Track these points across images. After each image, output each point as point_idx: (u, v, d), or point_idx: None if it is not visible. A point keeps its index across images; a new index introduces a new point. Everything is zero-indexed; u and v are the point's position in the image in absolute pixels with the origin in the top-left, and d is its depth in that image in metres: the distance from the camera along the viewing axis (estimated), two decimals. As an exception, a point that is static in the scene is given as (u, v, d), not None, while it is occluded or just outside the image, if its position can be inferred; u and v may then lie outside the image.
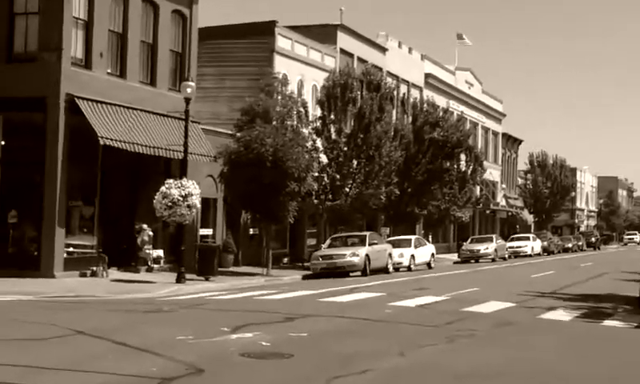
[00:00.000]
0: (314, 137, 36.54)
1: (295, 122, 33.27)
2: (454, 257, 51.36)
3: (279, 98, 33.36)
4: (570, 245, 72.08)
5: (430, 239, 48.65)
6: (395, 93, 47.34)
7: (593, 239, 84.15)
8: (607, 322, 16.89)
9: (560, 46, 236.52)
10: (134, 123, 27.43)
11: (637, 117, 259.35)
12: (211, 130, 32.90)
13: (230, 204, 32.60)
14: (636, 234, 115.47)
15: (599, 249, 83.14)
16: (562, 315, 17.63)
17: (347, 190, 37.20)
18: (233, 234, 33.73)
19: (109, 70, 27.41)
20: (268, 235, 32.15)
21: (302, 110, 34.30)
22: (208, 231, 33.32)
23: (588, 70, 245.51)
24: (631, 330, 16.08)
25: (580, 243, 76.14)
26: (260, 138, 29.44)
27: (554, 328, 15.69)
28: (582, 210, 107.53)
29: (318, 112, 38.08)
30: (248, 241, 36.01)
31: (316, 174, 34.87)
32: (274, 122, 31.60)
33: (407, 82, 53.77)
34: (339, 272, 31.61)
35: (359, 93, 38.27)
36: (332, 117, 37.32)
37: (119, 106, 27.18)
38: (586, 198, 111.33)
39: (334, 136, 37.34)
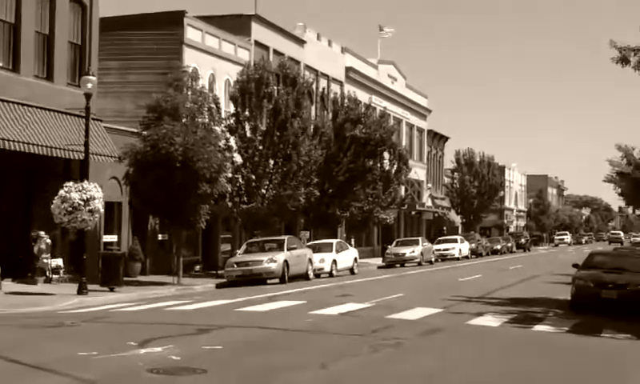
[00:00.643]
0: (228, 135, 36.49)
1: (207, 119, 33.14)
2: (379, 261, 52.03)
3: (189, 93, 33.15)
4: (498, 246, 73.92)
5: (353, 243, 49.09)
6: (314, 87, 47.56)
7: (522, 240, 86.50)
8: (538, 327, 17.52)
9: (486, 41, 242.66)
10: (29, 121, 26.83)
11: (566, 114, 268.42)
12: (115, 129, 32.46)
13: (137, 208, 32.22)
14: (567, 235, 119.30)
15: (529, 250, 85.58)
16: (490, 321, 18.19)
17: (263, 191, 37.28)
18: (140, 240, 33.36)
19: (0, 64, 26.73)
20: (178, 241, 31.94)
21: (213, 106, 34.18)
22: (112, 238, 32.92)
23: (515, 66, 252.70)
24: (563, 334, 16.73)
25: (509, 245, 78.17)
26: (168, 137, 29.21)
27: (483, 334, 16.17)
28: (511, 210, 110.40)
29: (232, 108, 38.04)
30: (156, 248, 35.68)
31: (230, 175, 34.78)
32: (184, 120, 31.39)
33: (327, 76, 54.19)
34: (256, 279, 31.65)
35: (275, 88, 38.36)
36: (246, 113, 37.31)
37: (12, 102, 26.55)
38: (515, 197, 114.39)
39: (248, 134, 37.36)
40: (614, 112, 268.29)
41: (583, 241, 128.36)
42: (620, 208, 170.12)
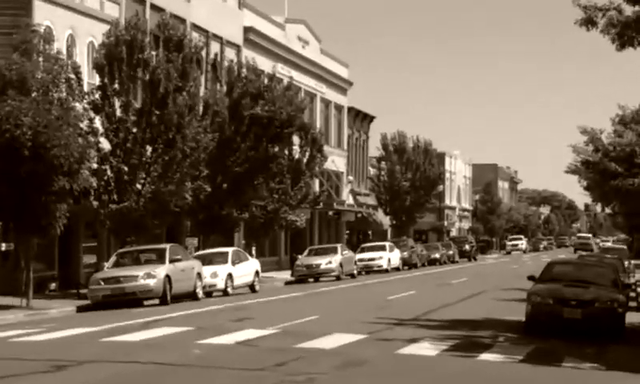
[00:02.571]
0: (91, 114, 36.14)
1: (64, 94, 32.75)
2: (287, 275, 52.37)
3: (41, 60, 32.72)
4: (437, 255, 75.19)
5: (254, 252, 49.28)
6: (204, 53, 47.48)
7: (467, 247, 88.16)
8: (485, 356, 18.05)
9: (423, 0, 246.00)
10: None
11: (520, 92, 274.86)
12: (-59, 105, 31.69)
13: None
14: (521, 240, 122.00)
15: (475, 259, 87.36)
16: (426, 349, 18.67)
17: (139, 186, 37.10)
18: (-25, 251, 32.84)
19: None
20: (27, 252, 31.53)
21: (73, 76, 33.74)
22: (-62, 249, 32.29)
23: (459, 32, 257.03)
24: (515, 365, 17.26)
25: (451, 253, 79.59)
26: (14, 117, 28.83)
27: (417, 367, 16.57)
28: (453, 209, 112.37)
29: (97, 80, 37.69)
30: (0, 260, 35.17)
31: (95, 166, 34.48)
32: (34, 94, 31.03)
33: (220, 38, 54.19)
34: (129, 300, 31.54)
35: (153, 53, 38.16)
36: (116, 86, 37.08)
37: None
38: (458, 192, 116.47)
39: (118, 113, 37.10)
40: (577, 91, 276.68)
41: (541, 247, 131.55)
42: (586, 206, 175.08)
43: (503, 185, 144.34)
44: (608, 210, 63.36)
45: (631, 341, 21.96)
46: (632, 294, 31.27)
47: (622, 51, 23.51)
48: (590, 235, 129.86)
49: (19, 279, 31.89)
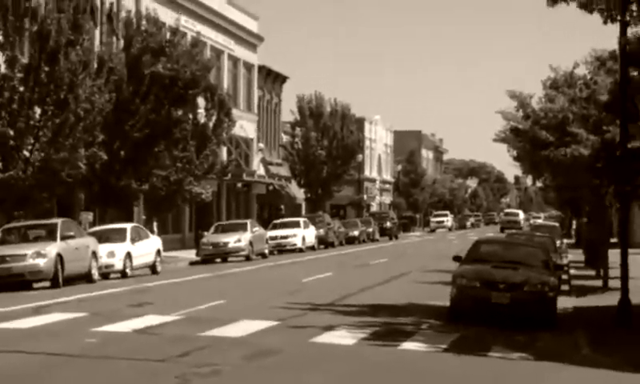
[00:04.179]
0: (-28, 71, 35.85)
1: (-60, 48, 32.43)
2: (192, 254, 52.59)
3: None
4: (356, 232, 76.01)
5: (156, 229, 49.12)
6: (99, 2, 47.17)
7: (388, 224, 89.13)
8: (406, 345, 18.56)
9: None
10: None
11: (445, 52, 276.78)
12: None
13: None
14: (447, 216, 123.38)
15: (397, 238, 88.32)
16: (343, 337, 19.12)
17: (26, 153, 36.85)
18: None
19: None
20: None
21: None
22: None
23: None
24: (439, 354, 17.82)
25: (370, 230, 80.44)
26: None
27: (333, 357, 17.01)
28: (373, 182, 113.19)
29: (-22, 31, 37.36)
30: None
31: (-24, 130, 34.23)
32: None
33: (117, -15, 53.76)
34: (17, 282, 31.40)
35: (42, 1, 37.78)
36: (0, 39, 36.68)
37: None
38: (379, 163, 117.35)
39: (3, 69, 36.81)
40: (507, 53, 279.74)
41: (468, 224, 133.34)
42: (516, 178, 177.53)
43: (428, 154, 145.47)
44: (539, 184, 64.18)
45: (563, 328, 22.34)
46: (564, 277, 31.66)
47: (554, 7, 22.77)
48: (518, 211, 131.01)
49: None
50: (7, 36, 36.82)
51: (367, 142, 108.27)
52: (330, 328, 20.17)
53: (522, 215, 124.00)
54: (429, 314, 23.95)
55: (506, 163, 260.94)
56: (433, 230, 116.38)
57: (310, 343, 18.26)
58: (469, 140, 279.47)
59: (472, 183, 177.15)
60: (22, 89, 36.89)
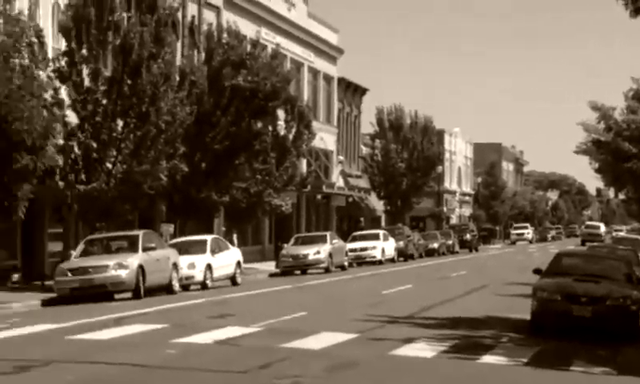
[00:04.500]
0: (57, 83, 36.14)
1: (27, 61, 32.85)
2: (272, 266, 52.62)
3: (0, 21, 32.78)
4: (436, 245, 75.73)
5: (236, 240, 49.34)
6: (180, 16, 47.54)
7: (468, 236, 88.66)
8: (487, 358, 18.42)
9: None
10: None
11: (525, 65, 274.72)
12: None
13: None
14: (527, 228, 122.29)
15: (477, 250, 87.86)
16: (423, 350, 19.02)
17: (109, 165, 37.21)
18: None
19: None
20: (-14, 238, 31.76)
21: (36, 41, 33.87)
22: None
23: (458, 1, 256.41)
24: (519, 368, 17.63)
25: (450, 242, 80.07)
26: (-29, 86, 29.03)
27: (412, 370, 16.95)
28: (453, 194, 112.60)
29: (63, 45, 37.78)
30: (-46, 247, 35.51)
31: (61, 142, 34.56)
32: (-7, 61, 31.13)
33: (198, -1, 54.26)
34: (99, 293, 31.71)
35: (125, 15, 38.16)
36: (84, 52, 37.12)
37: None
38: (459, 175, 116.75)
39: (87, 82, 37.14)
40: (588, 65, 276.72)
41: (549, 237, 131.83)
42: (598, 191, 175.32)
43: (508, 166, 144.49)
44: (622, 196, 63.16)
45: (646, 342, 22.08)
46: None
47: (637, 18, 22.67)
48: (600, 224, 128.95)
49: (-22, 269, 32.10)
50: (91, 49, 37.14)
51: (447, 154, 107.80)
52: (409, 340, 20.11)
53: (603, 228, 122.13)
54: (509, 327, 23.79)
55: (587, 175, 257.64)
56: (513, 243, 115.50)
57: (390, 356, 18.20)
58: (550, 152, 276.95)
59: (553, 195, 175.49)
60: (105, 102, 37.24)
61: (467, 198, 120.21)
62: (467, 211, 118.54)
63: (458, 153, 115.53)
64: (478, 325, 24.30)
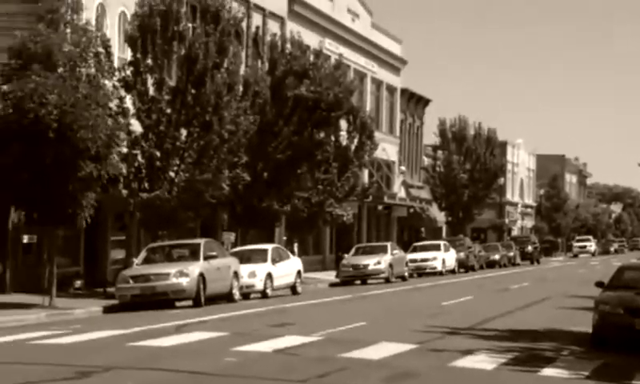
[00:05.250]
0: (122, 93, 36.48)
1: (93, 70, 33.10)
2: (332, 276, 52.63)
3: (68, 31, 33.05)
4: (497, 256, 75.32)
5: (296, 250, 49.45)
6: (244, 26, 47.71)
7: (530, 248, 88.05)
8: (547, 371, 18.16)
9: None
10: None
11: (588, 76, 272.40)
12: (-39, 81, 32.13)
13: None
14: (590, 241, 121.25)
15: (538, 262, 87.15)
16: (483, 362, 18.79)
17: (172, 174, 37.42)
18: (-5, 242, 33.32)
19: None
20: (51, 245, 31.89)
21: (102, 50, 34.14)
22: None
23: (521, 12, 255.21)
24: (580, 381, 17.38)
25: (511, 254, 79.58)
26: (38, 94, 29.15)
27: (472, 382, 16.80)
28: (515, 206, 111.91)
29: (128, 54, 38.07)
30: (21, 254, 35.66)
31: (125, 150, 34.77)
32: (60, 70, 31.33)
33: (262, 9, 54.43)
34: (160, 301, 31.89)
35: (190, 25, 38.38)
36: (149, 62, 37.40)
37: None
38: (521, 187, 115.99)
39: (151, 92, 37.41)
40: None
41: (612, 250, 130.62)
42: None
43: (571, 179, 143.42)
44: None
45: None
46: None
47: None
48: None
49: (42, 275, 32.28)
50: (156, 59, 37.42)
51: (509, 166, 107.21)
52: (469, 352, 19.94)
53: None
54: (570, 340, 23.51)
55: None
56: (575, 255, 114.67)
57: (449, 367, 18.05)
58: (613, 164, 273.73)
59: (616, 208, 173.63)
60: (169, 111, 37.48)
61: (529, 210, 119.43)
62: (529, 223, 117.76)
63: (520, 164, 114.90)
64: (539, 337, 24.08)
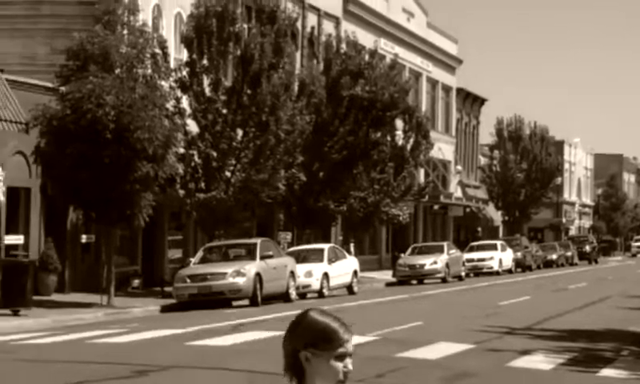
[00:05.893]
0: (178, 93, 36.69)
1: (149, 71, 33.27)
2: (388, 275, 52.49)
3: (125, 32, 33.25)
4: (554, 256, 74.68)
5: (353, 249, 49.29)
6: (299, 26, 47.71)
7: (587, 248, 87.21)
8: (606, 372, 17.89)
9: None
10: None
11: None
12: (22, 82, 32.55)
13: (52, 196, 32.37)
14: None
15: (596, 262, 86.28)
16: (541, 362, 18.57)
17: (228, 174, 37.52)
18: (56, 242, 33.46)
19: None
20: (109, 245, 32.15)
21: (159, 51, 34.31)
22: (17, 239, 32.94)
23: (578, 8, 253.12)
24: (640, 383, 17.13)
25: (569, 254, 78.88)
26: (96, 95, 29.36)
27: (530, 382, 16.62)
28: (572, 205, 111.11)
29: (185, 55, 38.20)
30: (79, 253, 35.91)
31: (182, 151, 34.95)
32: (118, 71, 31.56)
33: (318, 10, 54.44)
34: (217, 300, 31.98)
35: (245, 26, 38.44)
36: (204, 62, 37.53)
37: None
38: (578, 186, 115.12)
39: (207, 92, 37.54)
40: None
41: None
42: None
43: (629, 178, 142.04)
44: None
45: None
46: None
47: None
48: None
49: (100, 274, 32.47)
50: (212, 60, 37.56)
51: (566, 165, 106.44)
52: (526, 352, 19.72)
53: None
54: (629, 341, 23.22)
55: None
56: (634, 255, 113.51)
57: (507, 367, 17.86)
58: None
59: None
60: (225, 111, 37.61)
61: (587, 209, 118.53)
62: (587, 223, 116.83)
63: (577, 163, 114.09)
64: (597, 337, 23.80)
